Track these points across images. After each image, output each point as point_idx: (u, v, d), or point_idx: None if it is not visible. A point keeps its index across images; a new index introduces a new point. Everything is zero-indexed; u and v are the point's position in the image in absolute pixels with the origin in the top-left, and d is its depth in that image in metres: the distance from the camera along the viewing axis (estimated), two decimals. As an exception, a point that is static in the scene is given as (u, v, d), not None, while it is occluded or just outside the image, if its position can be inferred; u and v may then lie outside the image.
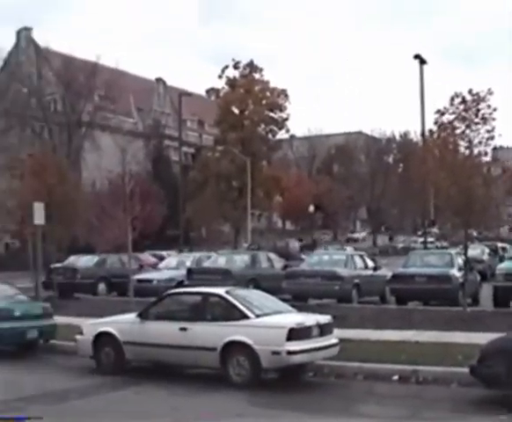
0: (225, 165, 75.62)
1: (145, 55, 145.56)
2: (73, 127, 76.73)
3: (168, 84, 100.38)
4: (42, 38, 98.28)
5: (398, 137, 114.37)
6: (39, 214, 21.98)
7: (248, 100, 78.60)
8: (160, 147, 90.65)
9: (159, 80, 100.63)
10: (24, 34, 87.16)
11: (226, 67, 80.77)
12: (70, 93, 77.24)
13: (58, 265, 30.57)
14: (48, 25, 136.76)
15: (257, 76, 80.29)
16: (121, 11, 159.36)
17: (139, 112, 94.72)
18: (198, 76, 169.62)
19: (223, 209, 75.65)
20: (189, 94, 74.31)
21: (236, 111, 79.49)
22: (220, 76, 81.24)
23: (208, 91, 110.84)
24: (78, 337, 15.10)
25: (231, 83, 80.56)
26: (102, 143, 76.57)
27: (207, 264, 29.48)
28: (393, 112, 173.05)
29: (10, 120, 63.03)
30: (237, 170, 72.53)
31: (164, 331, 13.77)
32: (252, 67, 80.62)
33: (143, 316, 14.32)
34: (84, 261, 32.21)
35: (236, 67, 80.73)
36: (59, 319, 18.15)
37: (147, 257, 38.38)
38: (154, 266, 33.73)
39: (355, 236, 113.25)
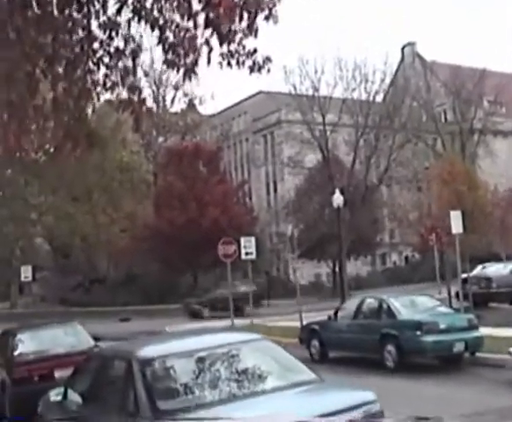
0: None
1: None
2: (465, 135, 76.26)
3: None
4: (426, 51, 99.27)
5: None
6: (456, 223, 21.67)
7: None
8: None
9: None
10: (409, 49, 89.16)
11: None
12: (460, 102, 76.85)
13: (471, 274, 29.95)
14: (432, 38, 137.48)
15: None
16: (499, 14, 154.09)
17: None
18: None
19: None
20: None
21: None
22: None
23: None
24: (512, 350, 14.57)
25: None
26: (496, 149, 75.35)
27: None
28: None
29: (407, 135, 64.55)
30: None
31: None
32: None
33: None
34: (497, 269, 31.09)
35: None
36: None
37: None
38: None
39: None
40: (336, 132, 52.71)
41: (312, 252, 53.80)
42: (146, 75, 62.64)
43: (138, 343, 10.07)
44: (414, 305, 17.79)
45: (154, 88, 71.30)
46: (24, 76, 8.24)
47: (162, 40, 8.13)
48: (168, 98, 73.82)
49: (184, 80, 8.57)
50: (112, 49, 8.39)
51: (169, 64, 8.26)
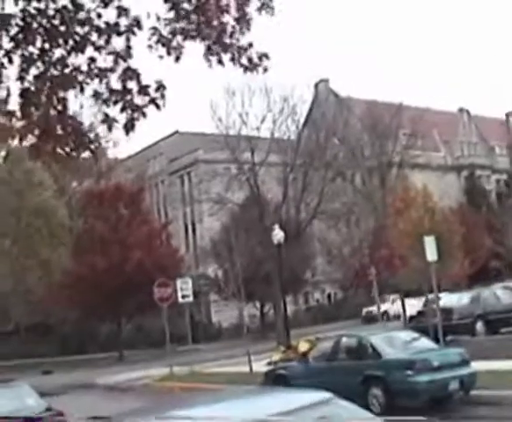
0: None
1: (444, 87, 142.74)
2: (384, 169, 76.23)
3: (472, 113, 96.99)
4: (339, 87, 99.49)
5: None
6: (431, 249, 20.14)
7: None
8: (472, 177, 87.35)
9: (462, 110, 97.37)
10: (322, 86, 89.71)
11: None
12: (377, 136, 76.94)
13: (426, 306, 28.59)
14: (344, 75, 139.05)
15: None
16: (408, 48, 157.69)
17: (445, 145, 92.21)
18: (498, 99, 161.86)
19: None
20: None
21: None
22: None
23: (508, 114, 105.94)
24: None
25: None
26: (414, 182, 75.40)
27: None
28: None
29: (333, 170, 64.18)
30: None
31: None
32: None
33: None
34: (458, 299, 29.60)
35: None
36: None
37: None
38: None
39: None
40: (263, 168, 51.27)
41: (239, 293, 51.72)
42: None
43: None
44: (397, 342, 16.10)
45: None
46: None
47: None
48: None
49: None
50: (102, 24, 6.45)
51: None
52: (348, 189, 73.40)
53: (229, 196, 53.54)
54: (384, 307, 55.71)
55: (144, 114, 6.67)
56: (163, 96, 6.72)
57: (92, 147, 6.51)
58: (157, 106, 6.72)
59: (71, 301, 50.02)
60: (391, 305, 57.82)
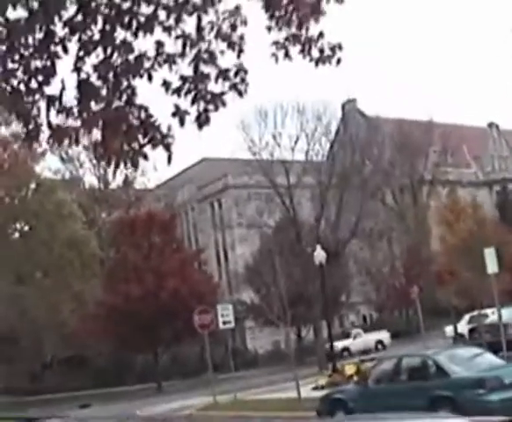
0: None
1: (472, 103, 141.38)
2: (416, 186, 75.44)
3: (501, 127, 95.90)
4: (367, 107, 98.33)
5: None
6: (491, 261, 19.07)
7: None
8: (504, 192, 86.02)
9: (492, 125, 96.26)
10: (349, 106, 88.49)
11: None
12: (407, 154, 76.06)
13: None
14: (371, 94, 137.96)
15: None
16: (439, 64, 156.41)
17: (476, 161, 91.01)
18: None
19: None
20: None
21: None
22: None
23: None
24: None
25: None
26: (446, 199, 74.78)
27: None
28: None
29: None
30: None
31: None
32: None
33: None
34: (510, 313, 28.38)
35: None
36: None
37: None
38: None
39: None
40: (297, 189, 50.45)
41: (285, 317, 50.50)
42: (86, 149, 59.27)
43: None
44: (462, 359, 15.09)
45: (94, 161, 68.23)
46: None
47: None
48: (110, 171, 70.75)
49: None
50: (170, 1, 5.69)
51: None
52: (379, 208, 72.34)
53: (262, 220, 52.79)
54: (344, 343, 53.74)
55: (224, 103, 5.86)
56: (243, 80, 5.92)
57: (166, 142, 5.66)
58: (240, 93, 5.92)
59: (106, 332, 49.26)
60: (353, 340, 55.62)
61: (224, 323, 29.47)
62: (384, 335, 56.46)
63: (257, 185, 55.10)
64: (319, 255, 31.14)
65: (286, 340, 49.82)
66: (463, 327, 34.98)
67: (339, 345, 48.75)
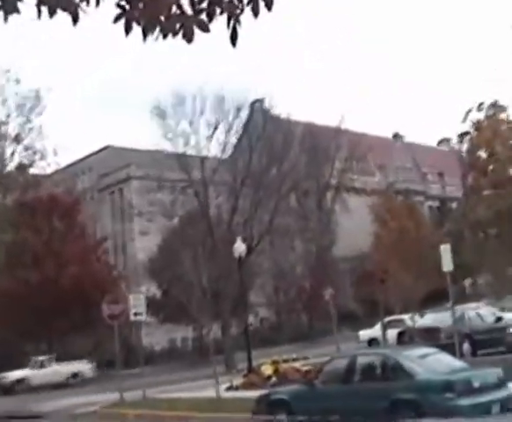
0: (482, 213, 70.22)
1: (379, 113, 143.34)
2: (321, 191, 75.63)
3: (406, 140, 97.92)
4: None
5: None
6: (447, 259, 18.04)
7: (494, 142, 73.19)
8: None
9: (397, 136, 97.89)
10: (258, 105, 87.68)
11: (470, 110, 75.65)
12: (315, 158, 76.00)
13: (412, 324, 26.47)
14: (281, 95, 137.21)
15: (503, 115, 74.61)
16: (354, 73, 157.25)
17: (381, 170, 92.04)
18: (431, 126, 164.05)
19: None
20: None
21: (483, 155, 74.20)
22: (463, 121, 76.34)
23: (440, 142, 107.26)
24: None
25: (477, 126, 75.34)
26: (351, 205, 75.61)
27: None
28: None
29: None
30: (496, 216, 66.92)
31: None
32: (495, 107, 75.09)
33: None
34: (442, 317, 27.45)
35: (480, 109, 75.36)
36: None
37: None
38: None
39: None
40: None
41: (178, 315, 48.54)
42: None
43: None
44: (428, 360, 13.90)
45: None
46: None
47: None
48: (8, 152, 67.11)
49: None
50: None
51: None
52: (287, 209, 71.64)
53: (167, 212, 50.89)
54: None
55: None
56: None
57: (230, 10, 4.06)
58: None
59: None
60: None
61: (136, 314, 27.54)
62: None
63: (166, 177, 53.14)
64: (240, 247, 29.64)
65: (205, 336, 47.96)
66: (376, 331, 34.30)
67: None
